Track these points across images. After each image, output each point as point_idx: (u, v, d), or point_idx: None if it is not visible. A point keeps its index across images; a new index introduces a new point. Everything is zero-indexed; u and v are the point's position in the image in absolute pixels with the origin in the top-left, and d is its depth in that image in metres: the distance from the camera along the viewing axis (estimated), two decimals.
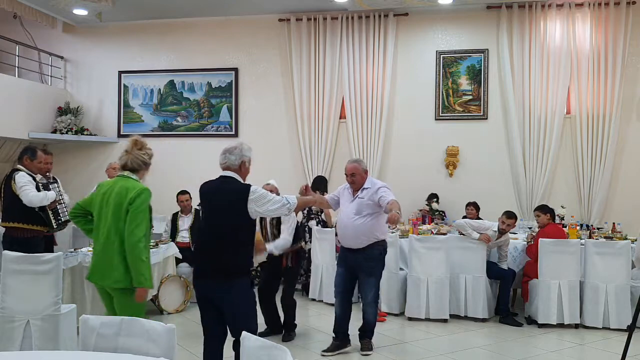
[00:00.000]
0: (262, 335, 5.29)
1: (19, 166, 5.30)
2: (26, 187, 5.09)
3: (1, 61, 8.81)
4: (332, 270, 6.20)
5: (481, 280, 6.14)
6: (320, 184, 7.53)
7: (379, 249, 4.98)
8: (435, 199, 8.12)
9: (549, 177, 8.13)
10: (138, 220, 3.39)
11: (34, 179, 5.25)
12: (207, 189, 3.77)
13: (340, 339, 5.07)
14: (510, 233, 6.55)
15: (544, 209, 6.37)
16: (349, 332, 5.12)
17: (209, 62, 9.18)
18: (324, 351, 5.00)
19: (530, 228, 7.17)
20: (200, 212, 4.11)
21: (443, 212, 8.04)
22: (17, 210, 5.14)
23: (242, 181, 3.71)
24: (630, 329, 4.11)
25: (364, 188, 4.95)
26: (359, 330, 5.13)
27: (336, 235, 6.47)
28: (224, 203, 3.62)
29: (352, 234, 4.91)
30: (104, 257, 3.45)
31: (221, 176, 3.73)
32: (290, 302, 5.49)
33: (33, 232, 5.22)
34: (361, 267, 4.96)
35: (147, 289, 3.43)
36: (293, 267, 5.46)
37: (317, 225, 7.08)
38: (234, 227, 3.58)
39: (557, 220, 7.27)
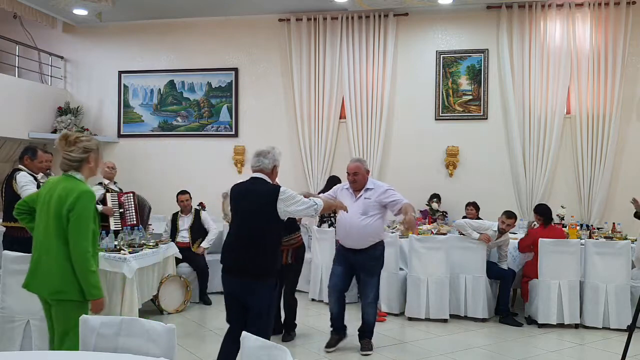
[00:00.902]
0: None
1: (20, 166, 5.32)
2: (27, 187, 5.10)
3: (1, 61, 8.82)
4: None
5: (481, 280, 6.13)
6: (335, 184, 7.40)
7: (380, 248, 5.01)
8: (435, 199, 8.12)
9: (549, 177, 8.13)
10: (82, 228, 3.08)
11: (35, 178, 5.27)
12: (238, 190, 3.87)
13: (340, 332, 5.12)
14: (510, 233, 6.55)
15: (536, 210, 6.45)
16: (346, 324, 5.17)
17: (209, 62, 9.18)
18: (326, 347, 5.03)
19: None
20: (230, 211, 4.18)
21: (445, 212, 8.04)
22: None
23: (271, 183, 3.82)
24: (630, 329, 4.11)
25: (368, 188, 4.95)
26: (359, 330, 5.13)
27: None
28: (254, 203, 3.71)
29: (358, 235, 4.89)
30: (42, 264, 3.16)
31: (252, 177, 3.84)
32: (291, 302, 5.48)
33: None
34: (364, 266, 4.97)
35: (102, 300, 3.20)
36: (293, 265, 5.41)
37: (329, 227, 7.06)
38: (263, 228, 3.67)
39: (557, 220, 7.30)
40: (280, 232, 3.81)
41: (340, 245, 5.14)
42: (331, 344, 5.06)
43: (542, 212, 6.35)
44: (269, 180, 3.81)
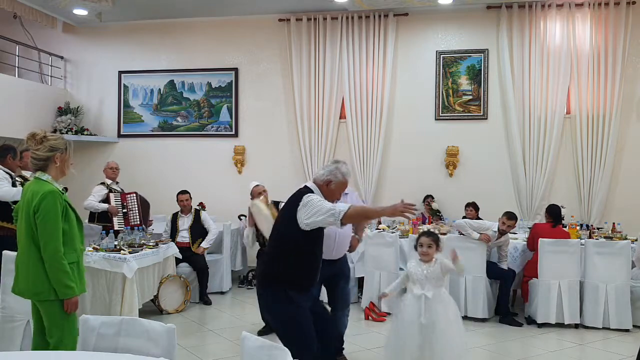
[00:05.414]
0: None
1: None
2: (1, 183, 5.16)
3: (1, 61, 8.81)
4: None
5: (481, 280, 6.13)
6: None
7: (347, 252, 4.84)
8: (429, 199, 8.13)
9: (549, 177, 8.13)
10: (49, 228, 3.10)
11: (11, 176, 5.33)
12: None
13: None
14: (511, 233, 6.56)
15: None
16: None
17: (209, 62, 9.18)
18: None
19: (530, 228, 7.17)
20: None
21: (438, 211, 8.03)
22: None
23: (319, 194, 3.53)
24: None
25: (345, 193, 4.77)
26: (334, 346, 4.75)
27: None
28: (283, 209, 3.55)
29: (343, 244, 4.63)
30: (21, 267, 3.24)
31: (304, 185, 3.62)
32: None
33: (8, 230, 5.22)
34: (343, 273, 4.70)
35: (76, 299, 3.22)
36: None
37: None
38: (281, 232, 3.51)
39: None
40: (301, 241, 3.41)
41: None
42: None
43: (549, 211, 6.43)
44: (317, 190, 3.53)
